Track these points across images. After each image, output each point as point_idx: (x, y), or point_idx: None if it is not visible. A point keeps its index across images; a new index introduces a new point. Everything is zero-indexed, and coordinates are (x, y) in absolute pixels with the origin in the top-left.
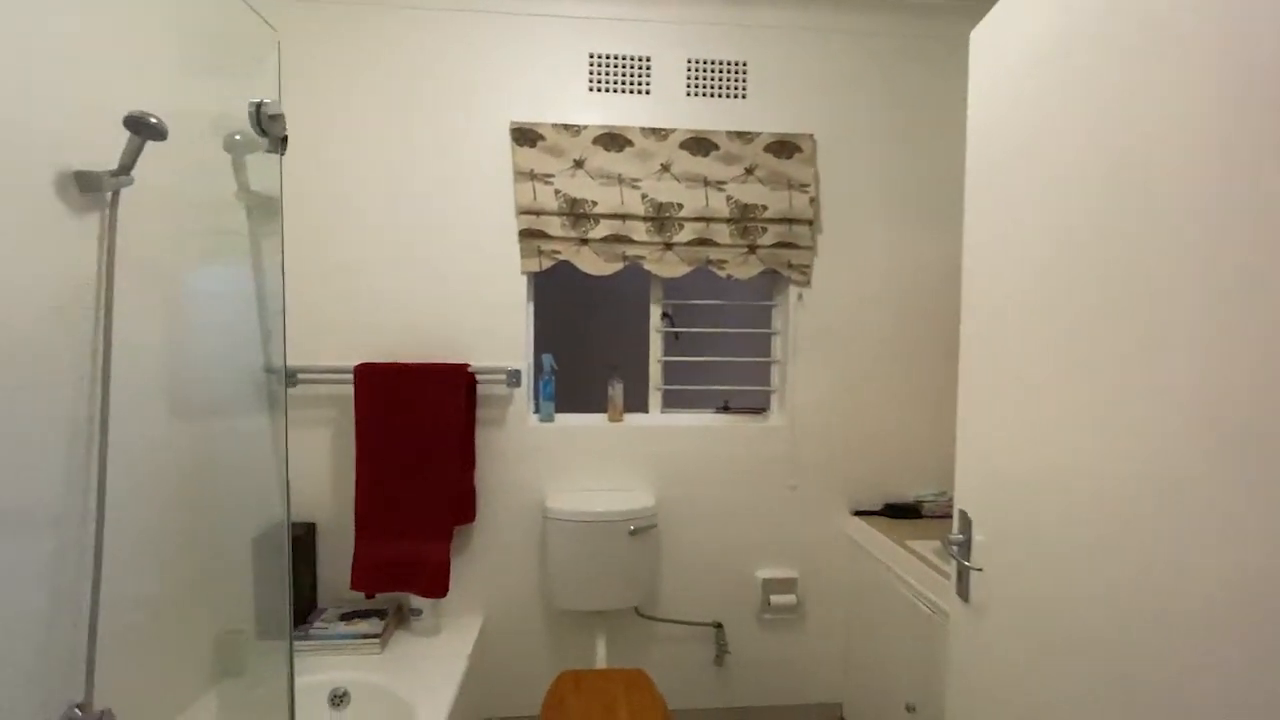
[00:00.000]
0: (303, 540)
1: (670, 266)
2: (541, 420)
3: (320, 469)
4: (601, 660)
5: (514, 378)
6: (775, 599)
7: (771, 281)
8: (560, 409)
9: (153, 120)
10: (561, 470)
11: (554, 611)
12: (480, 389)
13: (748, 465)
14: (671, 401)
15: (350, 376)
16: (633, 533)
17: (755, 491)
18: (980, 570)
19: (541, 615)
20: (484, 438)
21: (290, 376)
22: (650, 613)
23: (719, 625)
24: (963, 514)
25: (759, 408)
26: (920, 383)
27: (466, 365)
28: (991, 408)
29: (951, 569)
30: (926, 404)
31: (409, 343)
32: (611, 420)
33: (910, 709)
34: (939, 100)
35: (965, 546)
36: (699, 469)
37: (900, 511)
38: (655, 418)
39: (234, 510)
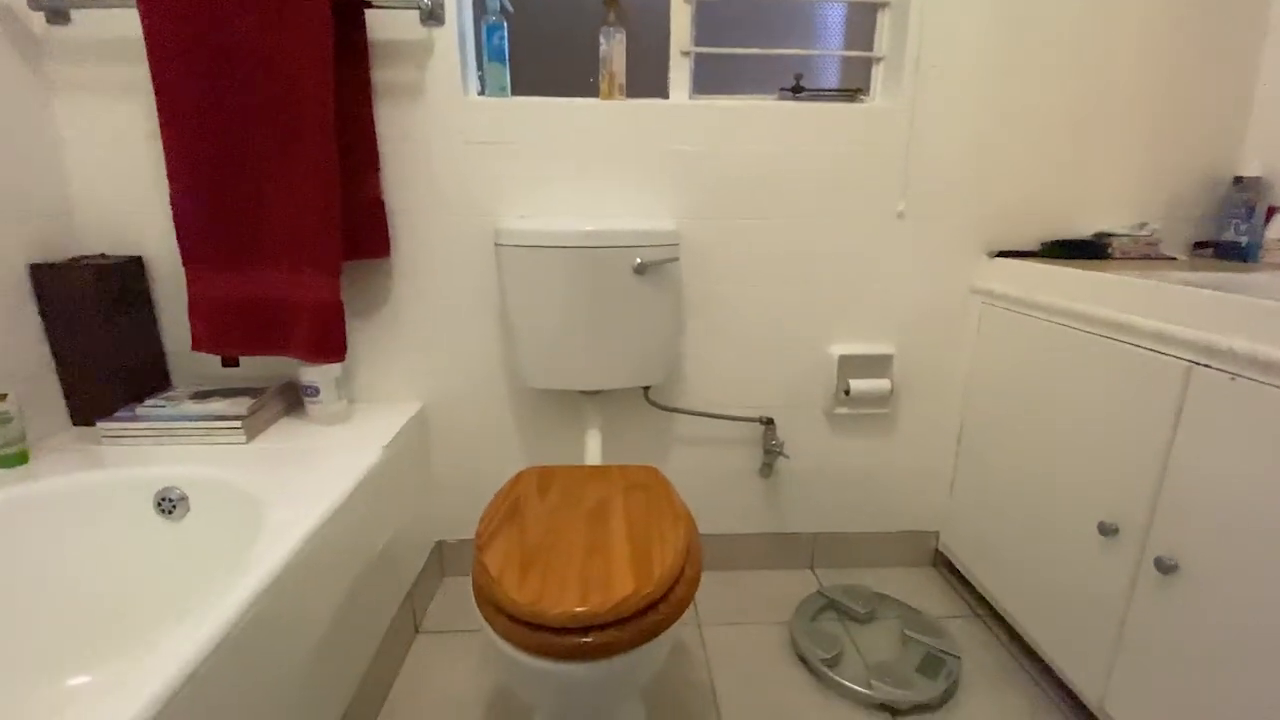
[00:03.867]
0: (120, 283)
1: None
2: (487, 94)
3: (137, 166)
4: (595, 459)
5: (434, 9)
6: (857, 386)
7: None
8: (518, 90)
9: None
10: (523, 179)
11: (525, 393)
12: (373, 28)
13: (826, 177)
14: (708, 81)
15: None
16: (640, 268)
17: (836, 219)
18: None
19: (507, 399)
20: (389, 118)
21: None
22: (666, 401)
23: (768, 421)
24: None
25: (851, 89)
26: (1161, 44)
27: None
28: None
29: None
30: (1149, 80)
31: None
32: (605, 100)
33: (1109, 530)
34: None
35: None
36: (747, 182)
37: (1073, 250)
38: (680, 103)
39: None
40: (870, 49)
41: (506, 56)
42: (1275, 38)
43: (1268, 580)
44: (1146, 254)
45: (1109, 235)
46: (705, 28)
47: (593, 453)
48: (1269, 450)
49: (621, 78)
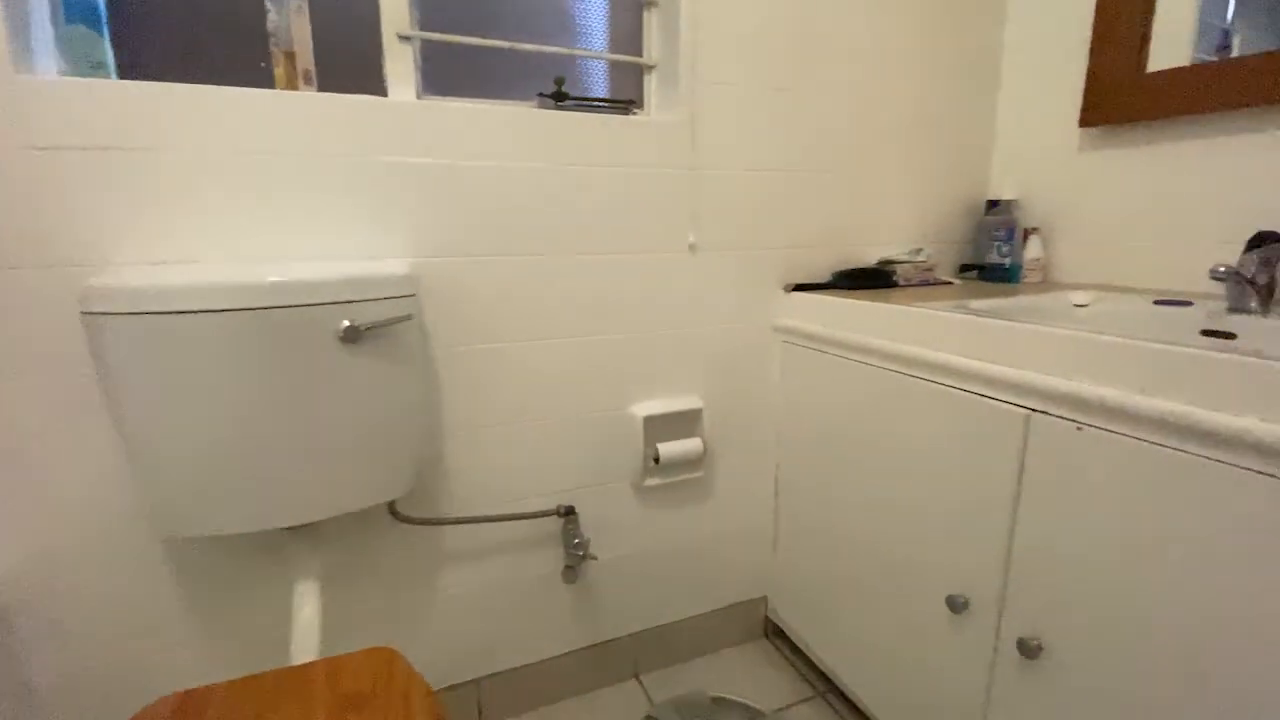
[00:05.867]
0: None
1: None
2: (72, 74)
3: None
4: (309, 635)
5: None
6: (668, 450)
7: None
8: (133, 71)
9: None
10: (147, 207)
11: (177, 545)
12: None
13: (606, 203)
14: (439, 82)
15: None
16: (351, 334)
17: (621, 254)
18: None
19: (158, 551)
20: None
21: None
22: (423, 512)
23: (568, 511)
24: None
25: (623, 100)
26: (932, 62)
27: None
28: None
29: None
30: (912, 108)
31: None
32: (287, 91)
33: (959, 605)
34: None
35: None
36: (506, 210)
37: (863, 279)
38: (406, 101)
39: None
40: (639, 54)
41: (104, 17)
42: (1008, 78)
43: (1141, 664)
44: (925, 279)
45: (891, 262)
46: (431, 10)
47: (305, 623)
48: (1134, 510)
49: (308, 63)
